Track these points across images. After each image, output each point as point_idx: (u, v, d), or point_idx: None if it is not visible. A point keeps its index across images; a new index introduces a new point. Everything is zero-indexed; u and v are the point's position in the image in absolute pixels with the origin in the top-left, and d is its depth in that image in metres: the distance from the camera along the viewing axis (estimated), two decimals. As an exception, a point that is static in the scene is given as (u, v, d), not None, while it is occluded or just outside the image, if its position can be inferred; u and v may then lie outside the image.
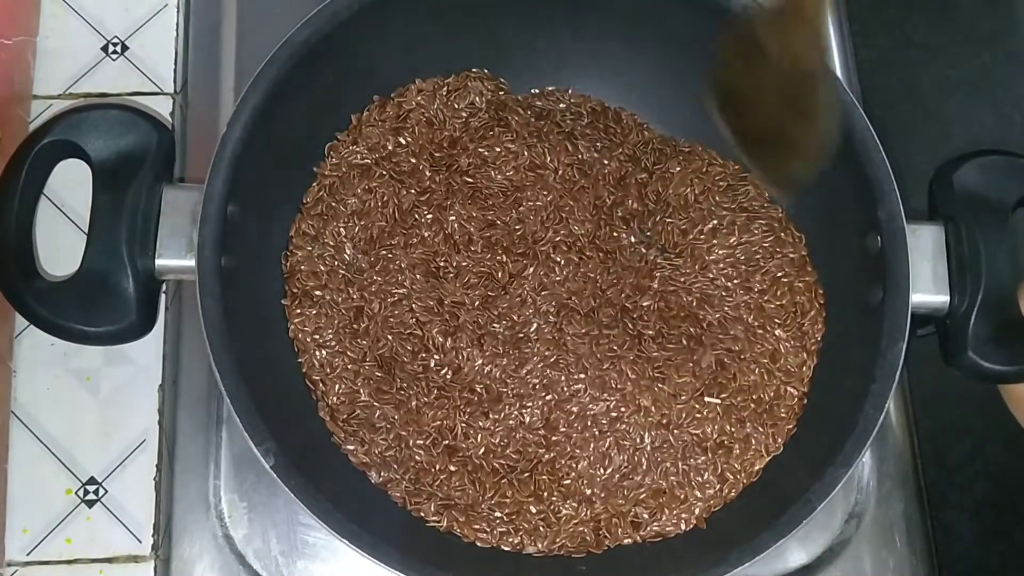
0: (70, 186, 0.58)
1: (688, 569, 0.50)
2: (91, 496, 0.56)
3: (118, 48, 0.63)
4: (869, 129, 0.52)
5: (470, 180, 0.59)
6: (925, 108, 0.67)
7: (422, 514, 0.54)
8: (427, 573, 0.47)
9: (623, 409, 0.55)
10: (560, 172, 0.60)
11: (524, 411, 0.56)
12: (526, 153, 0.60)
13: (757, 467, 0.55)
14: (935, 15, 0.68)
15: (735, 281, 0.58)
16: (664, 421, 0.55)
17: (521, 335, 0.57)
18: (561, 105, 0.62)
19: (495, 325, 0.57)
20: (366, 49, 0.57)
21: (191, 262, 0.50)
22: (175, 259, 0.51)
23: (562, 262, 0.58)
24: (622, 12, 0.59)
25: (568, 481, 0.55)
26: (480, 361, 0.56)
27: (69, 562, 0.55)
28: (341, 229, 0.58)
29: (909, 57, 0.68)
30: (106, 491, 0.56)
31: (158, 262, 0.50)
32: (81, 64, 0.63)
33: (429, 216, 0.58)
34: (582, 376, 0.56)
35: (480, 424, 0.55)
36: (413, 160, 0.59)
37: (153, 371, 0.58)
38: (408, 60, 0.60)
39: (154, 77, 0.63)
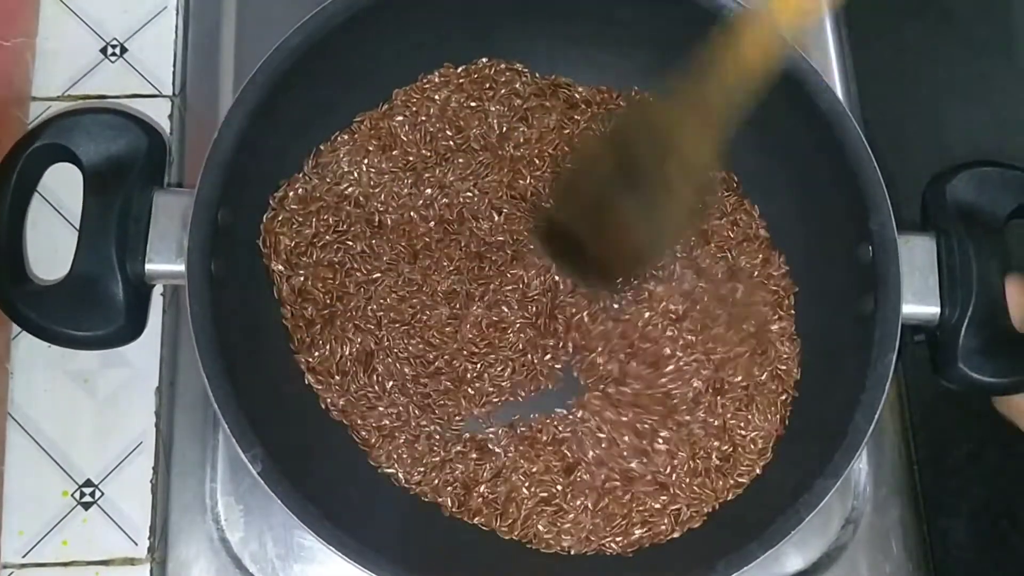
0: (69, 188, 0.58)
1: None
2: (87, 498, 0.56)
3: (117, 50, 0.63)
4: (862, 140, 0.52)
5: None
6: (921, 114, 0.67)
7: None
8: None
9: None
10: None
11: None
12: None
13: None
14: (932, 21, 0.68)
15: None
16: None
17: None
18: None
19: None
20: (360, 54, 0.57)
21: (181, 267, 0.50)
22: (165, 264, 0.51)
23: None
24: (617, 21, 0.59)
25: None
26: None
27: (65, 564, 0.55)
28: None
29: (906, 63, 0.68)
30: (102, 493, 0.56)
31: (148, 267, 0.50)
32: (80, 66, 0.63)
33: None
34: None
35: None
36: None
37: (150, 373, 0.58)
38: (402, 66, 0.60)
39: (153, 79, 0.63)
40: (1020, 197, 0.53)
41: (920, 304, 0.52)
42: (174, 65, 0.64)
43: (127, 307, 0.50)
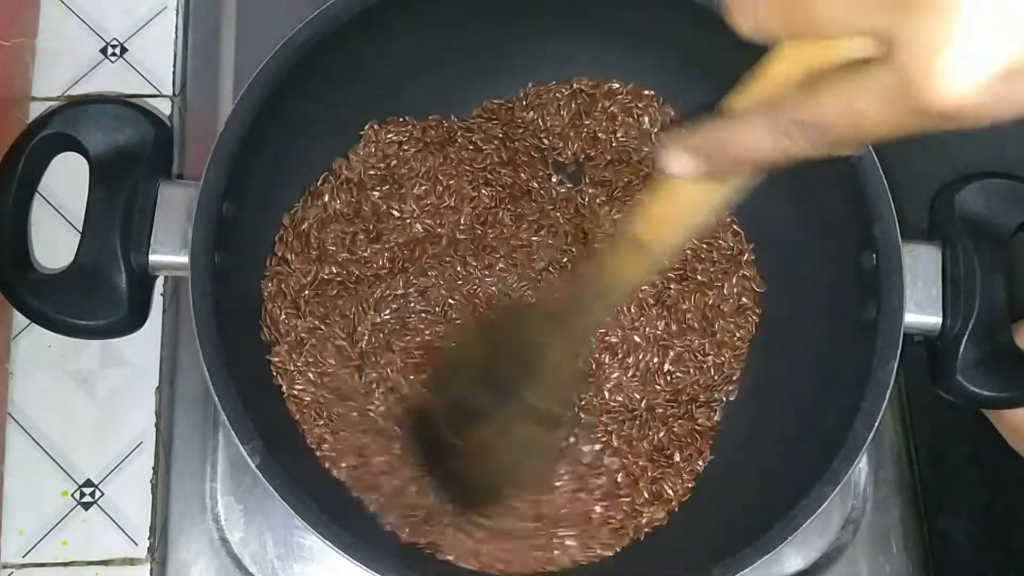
0: (69, 187, 0.58)
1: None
2: (87, 498, 0.56)
3: (117, 50, 0.63)
4: (868, 148, 0.52)
5: None
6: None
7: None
8: None
9: None
10: None
11: None
12: None
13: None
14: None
15: None
16: None
17: None
18: None
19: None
20: (367, 52, 0.57)
21: (184, 259, 0.49)
22: (169, 255, 0.51)
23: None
24: (625, 24, 0.59)
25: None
26: None
27: (65, 564, 0.55)
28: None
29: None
30: (102, 493, 0.56)
31: (151, 258, 0.50)
32: (80, 66, 0.63)
33: None
34: None
35: None
36: None
37: (150, 373, 0.58)
38: (411, 63, 0.60)
39: (153, 79, 0.63)
40: (1028, 210, 0.53)
41: (922, 314, 0.52)
42: (174, 65, 0.64)
43: (129, 297, 0.50)
